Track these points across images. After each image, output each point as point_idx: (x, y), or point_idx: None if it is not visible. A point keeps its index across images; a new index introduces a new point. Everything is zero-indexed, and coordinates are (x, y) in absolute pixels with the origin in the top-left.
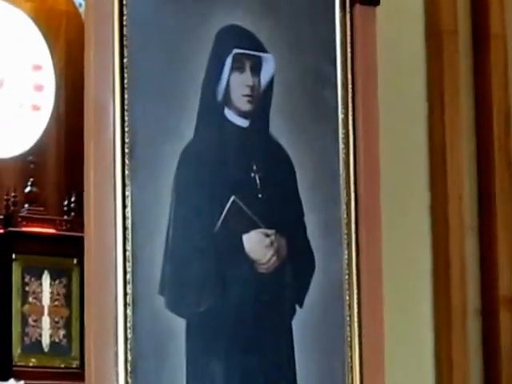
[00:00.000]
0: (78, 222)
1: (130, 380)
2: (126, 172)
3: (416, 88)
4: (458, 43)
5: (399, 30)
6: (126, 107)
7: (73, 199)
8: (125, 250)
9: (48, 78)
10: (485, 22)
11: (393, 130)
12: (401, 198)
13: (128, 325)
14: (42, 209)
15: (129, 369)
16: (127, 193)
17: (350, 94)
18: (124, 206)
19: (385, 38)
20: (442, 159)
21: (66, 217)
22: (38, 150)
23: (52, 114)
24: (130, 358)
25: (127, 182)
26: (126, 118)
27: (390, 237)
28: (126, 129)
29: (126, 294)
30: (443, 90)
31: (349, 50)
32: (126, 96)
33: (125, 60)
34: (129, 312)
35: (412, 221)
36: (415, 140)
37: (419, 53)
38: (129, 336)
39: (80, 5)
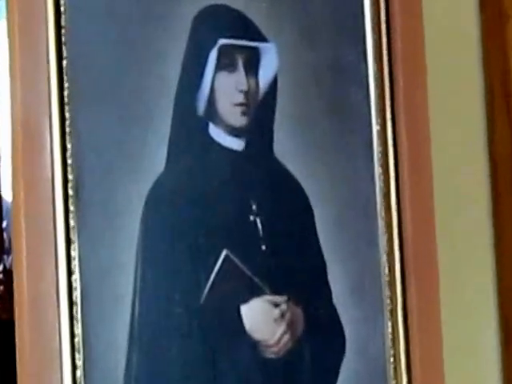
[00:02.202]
0: None
1: None
2: (71, 223)
3: (471, 80)
4: None
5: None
6: (67, 129)
7: None
8: (72, 336)
9: None
10: None
11: (442, 140)
12: (456, 238)
13: None
14: None
15: None
16: (73, 253)
17: (387, 97)
18: (69, 273)
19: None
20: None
21: None
22: None
23: None
24: None
25: (73, 237)
26: (69, 146)
27: (446, 295)
28: (69, 161)
29: None
30: (509, 80)
31: (384, 34)
32: (67, 114)
33: (64, 62)
34: None
35: (474, 271)
36: (472, 154)
37: (473, 31)
38: None
39: None
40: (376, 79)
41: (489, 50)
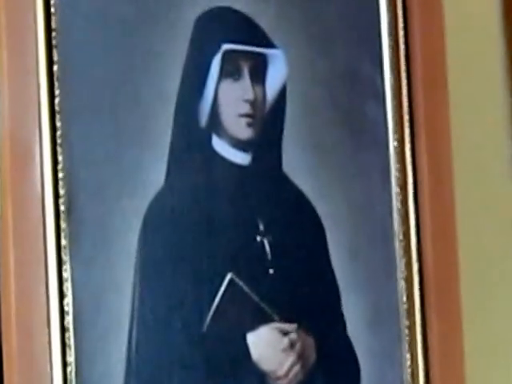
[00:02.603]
0: None
1: None
2: (63, 242)
3: (494, 92)
4: None
5: (462, 7)
6: (58, 140)
7: None
8: (64, 365)
9: None
10: None
11: (465, 158)
12: (480, 262)
13: None
14: None
15: None
16: (65, 274)
17: (405, 110)
18: (61, 296)
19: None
20: None
21: None
22: None
23: None
24: None
25: (64, 257)
26: (60, 158)
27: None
28: (60, 175)
29: None
30: None
31: (401, 42)
32: (58, 123)
33: (55, 67)
34: None
35: (499, 297)
36: (496, 172)
37: (495, 37)
38: None
39: None
40: (393, 91)
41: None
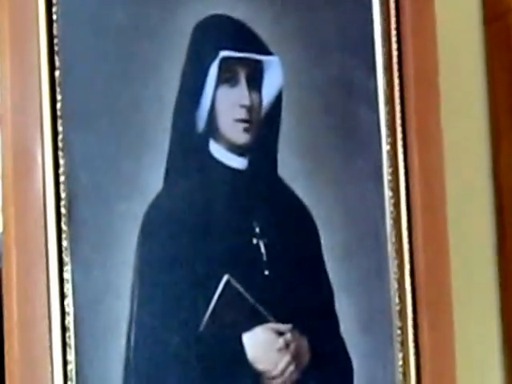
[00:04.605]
0: None
1: None
2: (64, 244)
3: (482, 95)
4: None
5: (447, 15)
6: (59, 145)
7: None
8: (65, 364)
9: None
10: None
11: (455, 159)
12: (470, 264)
13: None
14: None
15: None
16: (66, 276)
17: (398, 115)
18: (62, 297)
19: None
20: None
21: None
22: None
23: None
24: None
25: (65, 258)
26: (62, 162)
27: (460, 325)
28: (62, 178)
29: None
30: None
31: (394, 49)
32: (59, 128)
33: (56, 72)
34: None
35: (486, 295)
36: (483, 174)
37: (476, 45)
38: None
39: None
40: (386, 96)
41: (494, 68)
